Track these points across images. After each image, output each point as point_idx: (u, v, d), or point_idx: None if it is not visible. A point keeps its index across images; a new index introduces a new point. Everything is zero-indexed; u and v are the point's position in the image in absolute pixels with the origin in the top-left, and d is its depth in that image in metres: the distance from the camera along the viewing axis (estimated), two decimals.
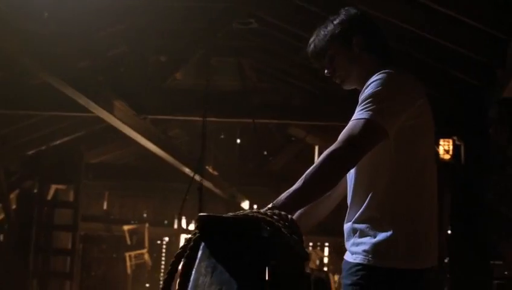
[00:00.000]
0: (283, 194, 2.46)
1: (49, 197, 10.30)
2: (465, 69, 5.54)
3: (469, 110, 5.83)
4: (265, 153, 12.24)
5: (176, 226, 12.52)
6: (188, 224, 12.45)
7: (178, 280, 2.19)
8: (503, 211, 5.92)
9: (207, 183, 9.20)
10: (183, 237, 12.41)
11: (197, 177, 7.07)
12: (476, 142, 5.89)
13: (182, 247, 2.22)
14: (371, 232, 2.70)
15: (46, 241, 10.26)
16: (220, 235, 1.78)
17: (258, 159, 11.99)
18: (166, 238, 12.57)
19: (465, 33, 4.94)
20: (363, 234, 2.73)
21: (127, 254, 11.69)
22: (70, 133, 9.84)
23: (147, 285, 12.46)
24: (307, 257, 2.25)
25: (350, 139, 2.58)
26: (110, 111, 5.84)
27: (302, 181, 2.53)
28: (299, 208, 2.43)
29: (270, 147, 12.14)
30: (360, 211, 2.75)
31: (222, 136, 11.64)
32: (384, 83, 2.72)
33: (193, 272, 1.67)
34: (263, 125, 10.63)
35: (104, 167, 11.37)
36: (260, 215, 2.12)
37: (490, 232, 5.80)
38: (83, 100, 5.44)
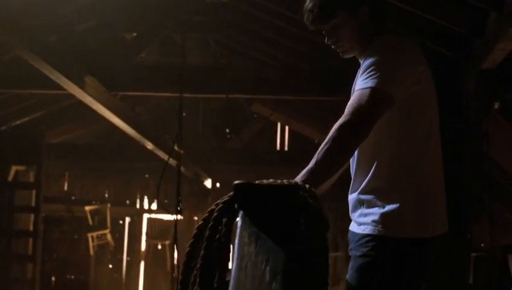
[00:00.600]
0: (298, 176, 2.39)
1: (10, 178, 10.09)
2: (441, 40, 5.52)
3: (444, 83, 5.80)
4: (227, 130, 12.17)
5: (138, 205, 12.39)
6: (150, 204, 12.33)
7: (201, 253, 2.12)
8: (476, 188, 5.93)
9: (172, 162, 9.08)
10: (146, 217, 12.31)
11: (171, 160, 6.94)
12: (451, 115, 5.89)
13: (203, 218, 2.15)
14: (379, 203, 2.67)
15: (7, 223, 10.06)
16: (258, 203, 1.71)
17: (220, 137, 11.91)
18: (129, 218, 12.42)
19: (442, 3, 4.92)
20: (370, 205, 2.69)
21: (89, 235, 11.54)
22: (30, 113, 9.61)
23: (110, 266, 12.31)
24: (328, 226, 2.21)
25: (358, 110, 2.54)
26: (82, 87, 5.71)
27: (315, 159, 2.46)
28: (316, 187, 2.36)
29: (232, 124, 12.06)
30: (366, 181, 2.72)
31: (184, 114, 11.50)
32: (386, 50, 2.70)
33: (236, 241, 1.60)
34: (226, 103, 10.57)
35: (65, 147, 11.16)
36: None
37: (466, 207, 5.82)
38: (55, 76, 5.29)
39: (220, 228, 2.08)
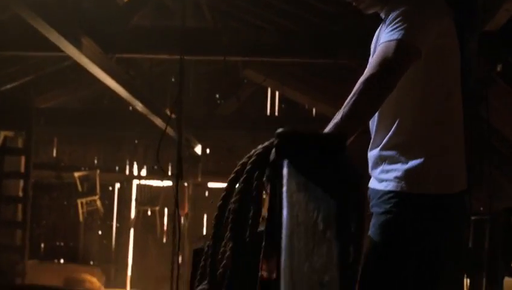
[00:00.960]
0: (324, 130, 2.35)
1: None
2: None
3: None
4: (217, 96, 12.10)
5: (127, 172, 12.31)
6: (139, 169, 12.26)
7: (233, 207, 2.07)
8: (475, 153, 5.92)
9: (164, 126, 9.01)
10: (135, 183, 12.24)
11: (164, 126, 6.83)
12: None
13: (235, 171, 2.09)
14: (402, 159, 2.63)
15: None
16: (303, 152, 1.66)
17: (210, 102, 11.85)
18: (118, 184, 12.35)
19: None
20: (392, 161, 2.65)
21: (78, 201, 11.47)
22: (19, 78, 9.50)
23: (100, 232, 12.26)
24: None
25: (385, 63, 2.49)
26: (79, 48, 5.60)
27: (341, 113, 2.42)
28: None
29: (222, 90, 11.99)
30: (388, 137, 2.68)
31: (173, 80, 11.41)
32: (410, 2, 2.65)
33: (284, 189, 1.55)
34: (216, 68, 10.50)
35: (54, 112, 11.06)
36: None
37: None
38: (52, 35, 5.18)
39: (251, 181, 2.04)
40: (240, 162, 2.07)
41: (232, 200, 2.04)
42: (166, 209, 12.06)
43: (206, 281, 2.12)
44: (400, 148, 2.64)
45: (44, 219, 12.03)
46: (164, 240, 12.06)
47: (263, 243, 2.11)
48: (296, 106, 11.56)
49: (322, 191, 1.55)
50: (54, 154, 12.22)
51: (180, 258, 8.30)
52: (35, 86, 9.97)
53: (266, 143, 2.04)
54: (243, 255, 2.10)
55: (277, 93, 11.79)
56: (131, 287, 11.82)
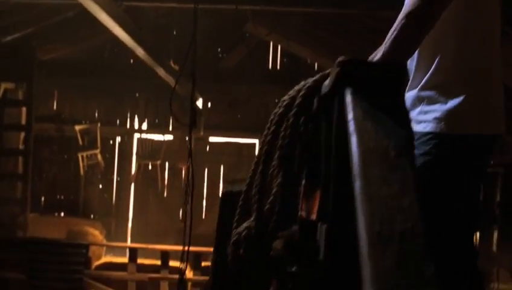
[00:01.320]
0: None
1: None
2: None
3: None
4: (219, 49, 11.98)
5: (128, 125, 12.19)
6: (140, 123, 12.15)
7: (280, 143, 2.01)
8: None
9: (169, 79, 8.94)
10: (136, 137, 12.15)
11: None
12: None
13: (285, 105, 2.03)
14: (441, 99, 2.57)
15: None
16: (366, 80, 1.60)
17: (212, 55, 11.73)
18: (119, 138, 12.24)
19: None
20: (431, 101, 2.60)
21: (79, 155, 11.40)
22: (21, 29, 9.36)
23: (100, 186, 12.19)
24: None
25: None
26: None
27: (382, 50, 2.36)
28: None
29: (224, 43, 11.87)
30: (427, 76, 2.62)
31: (175, 33, 11.29)
32: None
33: (350, 116, 1.49)
34: (219, 20, 10.37)
35: (55, 65, 10.93)
36: None
37: None
38: None
39: (301, 116, 1.98)
40: (289, 96, 2.00)
41: (281, 135, 1.99)
42: (167, 164, 12.00)
43: (251, 219, 2.07)
44: (439, 88, 2.58)
45: (44, 172, 11.93)
46: (165, 194, 12.03)
47: (303, 182, 2.06)
48: (299, 61, 11.46)
49: (390, 120, 1.50)
50: (55, 107, 12.08)
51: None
52: (37, 37, 9.83)
53: (315, 77, 1.98)
54: (289, 193, 2.05)
55: (279, 47, 11.67)
56: (131, 241, 11.80)
